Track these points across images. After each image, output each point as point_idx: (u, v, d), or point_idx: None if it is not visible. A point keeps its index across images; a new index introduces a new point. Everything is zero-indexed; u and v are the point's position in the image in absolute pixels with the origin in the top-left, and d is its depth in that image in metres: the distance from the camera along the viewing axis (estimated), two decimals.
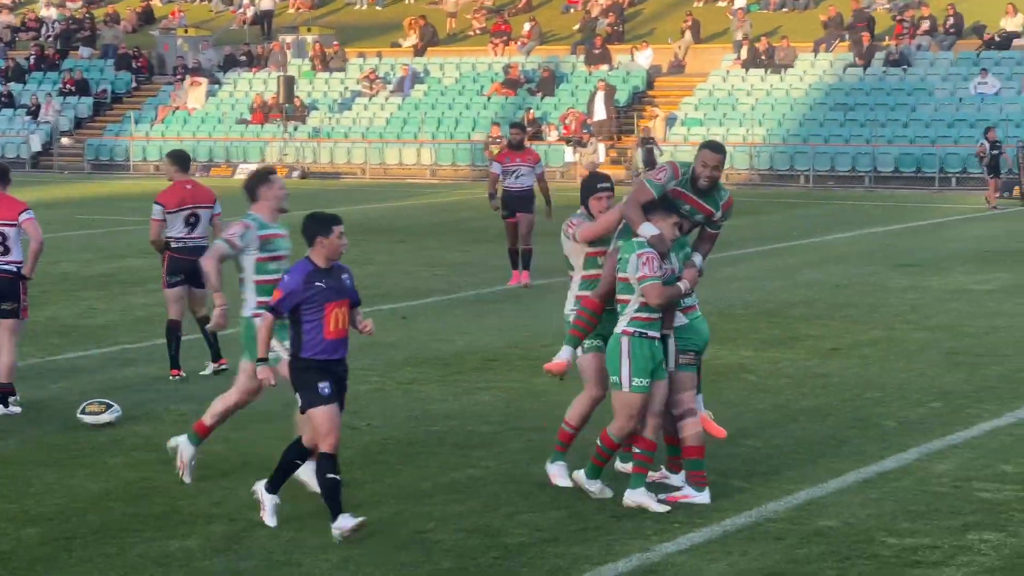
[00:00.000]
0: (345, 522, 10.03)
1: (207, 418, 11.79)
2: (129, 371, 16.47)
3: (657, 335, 10.77)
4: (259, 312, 10.86)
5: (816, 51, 50.26)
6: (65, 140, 56.01)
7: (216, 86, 57.26)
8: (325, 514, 10.37)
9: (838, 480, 11.61)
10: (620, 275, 10.82)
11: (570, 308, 11.36)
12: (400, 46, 57.31)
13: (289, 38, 58.87)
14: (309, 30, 59.50)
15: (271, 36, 60.38)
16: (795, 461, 12.22)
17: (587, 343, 11.27)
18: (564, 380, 11.77)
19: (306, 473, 11.03)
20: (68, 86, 58.14)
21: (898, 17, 50.69)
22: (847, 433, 13.21)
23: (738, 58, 50.82)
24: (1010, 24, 48.89)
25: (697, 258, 11.19)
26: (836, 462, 12.15)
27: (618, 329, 10.81)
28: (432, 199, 41.34)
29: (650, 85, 51.55)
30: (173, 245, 15.78)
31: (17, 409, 14.31)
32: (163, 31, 61.98)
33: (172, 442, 11.98)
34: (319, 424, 10.16)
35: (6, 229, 14.34)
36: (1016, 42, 48.32)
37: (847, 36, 50.12)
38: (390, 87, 54.17)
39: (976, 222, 33.85)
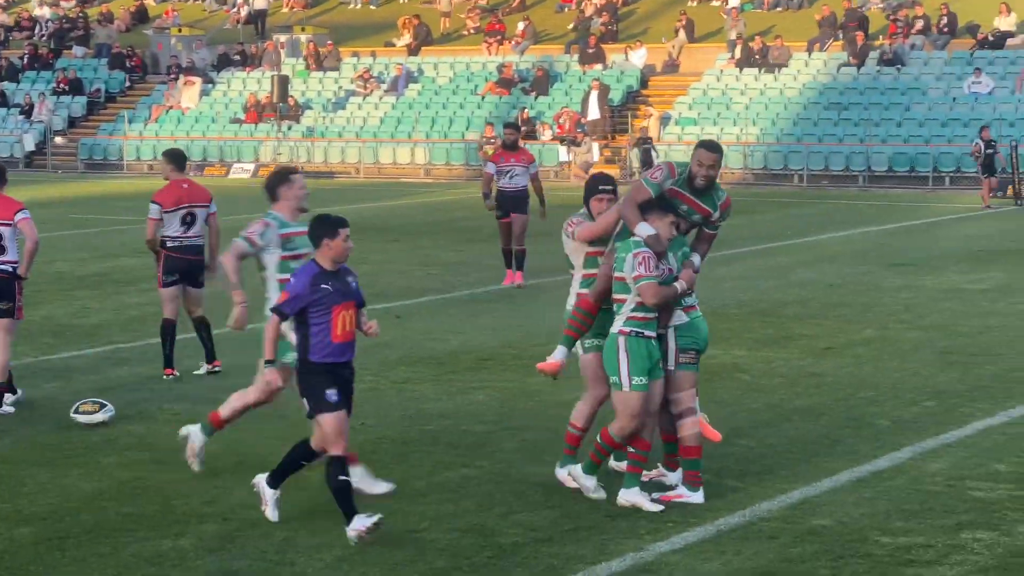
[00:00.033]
0: (360, 523, 9.96)
1: (223, 410, 11.73)
2: (123, 370, 16.46)
3: (654, 334, 10.78)
4: None
5: (810, 50, 50.28)
6: (59, 139, 55.95)
7: (210, 85, 57.22)
8: (319, 513, 10.37)
9: (832, 479, 11.62)
10: (616, 274, 10.83)
11: (571, 306, 11.39)
12: (394, 45, 57.31)
13: (283, 37, 58.84)
14: (303, 29, 59.47)
15: (265, 35, 60.36)
16: (789, 460, 12.22)
17: (588, 342, 11.27)
18: (558, 380, 11.78)
19: (357, 477, 11.04)
20: (62, 85, 58.08)
21: (892, 16, 50.72)
22: (841, 432, 13.22)
23: (732, 57, 50.83)
24: (1004, 23, 48.92)
25: (696, 258, 11.19)
26: (830, 461, 12.16)
27: (614, 329, 10.81)
28: (426, 198, 41.34)
29: (644, 84, 51.57)
30: (169, 244, 15.76)
31: (10, 409, 14.31)
32: (157, 30, 61.93)
33: (184, 430, 11.96)
34: (327, 430, 10.11)
35: (2, 229, 14.33)
36: (1010, 41, 48.35)
37: (841, 35, 50.15)
38: (384, 86, 54.14)
39: (970, 221, 33.88)
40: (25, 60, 61.07)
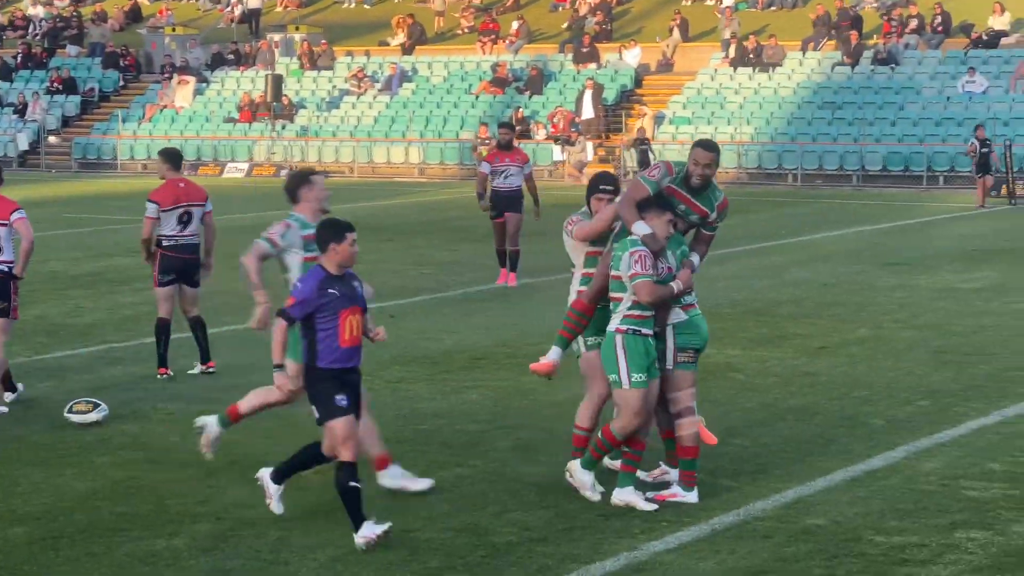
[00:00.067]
0: (370, 530, 9.90)
1: (243, 405, 11.61)
2: (116, 370, 16.44)
3: (650, 332, 10.77)
4: None
5: (804, 50, 50.28)
6: (52, 139, 55.90)
7: (204, 84, 57.20)
8: (314, 513, 10.36)
9: (826, 479, 11.62)
10: (613, 272, 10.83)
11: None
12: (388, 45, 57.29)
13: (277, 36, 58.82)
14: (297, 28, 59.45)
15: (259, 34, 60.33)
16: (783, 460, 12.22)
17: (590, 341, 11.27)
18: (552, 380, 11.77)
19: (397, 476, 11.00)
20: (55, 84, 58.03)
21: (886, 16, 50.75)
22: (835, 432, 13.22)
23: (726, 56, 50.84)
24: (998, 23, 48.94)
25: (695, 258, 11.19)
26: (824, 461, 12.16)
27: (611, 327, 10.81)
28: (420, 198, 41.32)
29: (638, 84, 51.57)
30: (165, 243, 15.74)
31: (4, 409, 14.29)
32: (151, 29, 61.91)
33: (200, 420, 11.88)
34: (338, 435, 10.06)
35: None
36: (1004, 41, 48.37)
37: (835, 35, 50.17)
38: (378, 86, 54.12)
39: (964, 221, 33.89)
40: (19, 59, 61.02)
